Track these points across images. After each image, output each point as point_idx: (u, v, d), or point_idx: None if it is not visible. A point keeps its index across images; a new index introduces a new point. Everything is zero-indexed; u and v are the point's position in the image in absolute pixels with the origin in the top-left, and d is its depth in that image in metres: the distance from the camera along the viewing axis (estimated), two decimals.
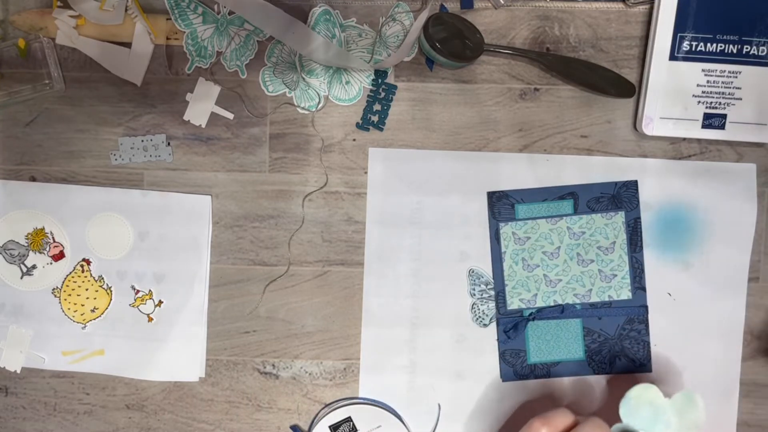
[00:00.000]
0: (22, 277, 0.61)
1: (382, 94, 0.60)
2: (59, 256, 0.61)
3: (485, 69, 0.60)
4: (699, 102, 0.58)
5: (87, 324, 0.61)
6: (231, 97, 0.60)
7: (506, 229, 0.60)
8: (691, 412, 0.51)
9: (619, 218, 0.60)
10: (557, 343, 0.61)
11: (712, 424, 0.55)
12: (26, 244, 0.61)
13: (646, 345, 0.60)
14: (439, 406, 0.61)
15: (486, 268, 0.61)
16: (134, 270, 0.61)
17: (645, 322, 0.60)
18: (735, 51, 0.58)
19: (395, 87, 0.60)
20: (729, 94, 0.58)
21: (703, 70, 0.58)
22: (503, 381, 0.61)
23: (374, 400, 0.61)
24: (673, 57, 0.58)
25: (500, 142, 0.60)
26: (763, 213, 0.60)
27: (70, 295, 0.61)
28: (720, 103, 0.58)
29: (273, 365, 0.62)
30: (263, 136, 0.61)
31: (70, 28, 0.58)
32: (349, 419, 0.61)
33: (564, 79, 0.60)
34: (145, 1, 0.59)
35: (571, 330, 0.61)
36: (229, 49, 0.59)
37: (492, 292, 0.61)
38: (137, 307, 0.61)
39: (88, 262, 0.61)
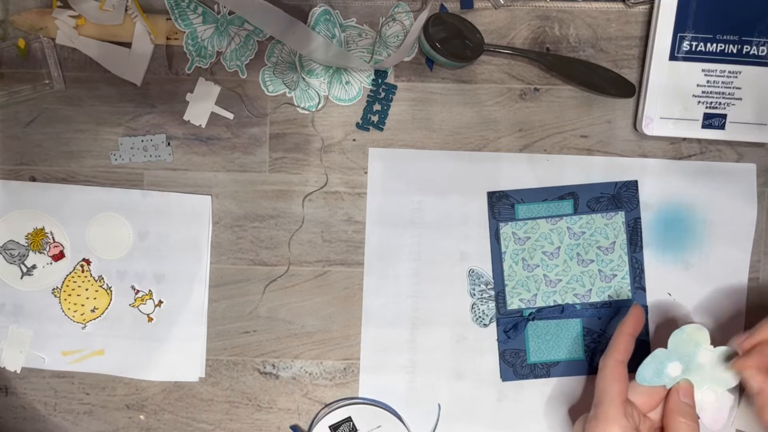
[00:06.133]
0: (22, 277, 0.61)
1: (382, 94, 0.60)
2: (59, 256, 0.61)
3: (485, 69, 0.60)
4: (699, 102, 0.58)
5: (87, 324, 0.61)
6: (231, 97, 0.60)
7: (506, 229, 0.60)
8: (727, 370, 0.53)
9: (619, 218, 0.60)
10: (557, 343, 0.61)
11: (710, 421, 0.55)
12: (26, 244, 0.61)
13: (646, 345, 0.60)
14: (439, 406, 0.61)
15: (486, 268, 0.61)
16: (134, 270, 0.61)
17: (645, 322, 0.60)
18: (735, 51, 0.58)
19: (395, 87, 0.60)
20: (729, 94, 0.58)
21: (703, 70, 0.58)
22: (503, 381, 0.61)
23: (374, 400, 0.61)
24: (673, 57, 0.58)
25: (500, 142, 0.60)
26: (763, 213, 0.60)
27: (70, 295, 0.61)
28: (720, 103, 0.58)
29: (273, 365, 0.62)
30: (263, 136, 0.61)
31: (70, 28, 0.58)
32: (349, 419, 0.61)
33: (564, 79, 0.60)
34: (145, 1, 0.59)
35: (571, 330, 0.61)
36: (229, 49, 0.59)
37: (492, 292, 0.61)
38: (137, 307, 0.61)
39: (88, 262, 0.61)
